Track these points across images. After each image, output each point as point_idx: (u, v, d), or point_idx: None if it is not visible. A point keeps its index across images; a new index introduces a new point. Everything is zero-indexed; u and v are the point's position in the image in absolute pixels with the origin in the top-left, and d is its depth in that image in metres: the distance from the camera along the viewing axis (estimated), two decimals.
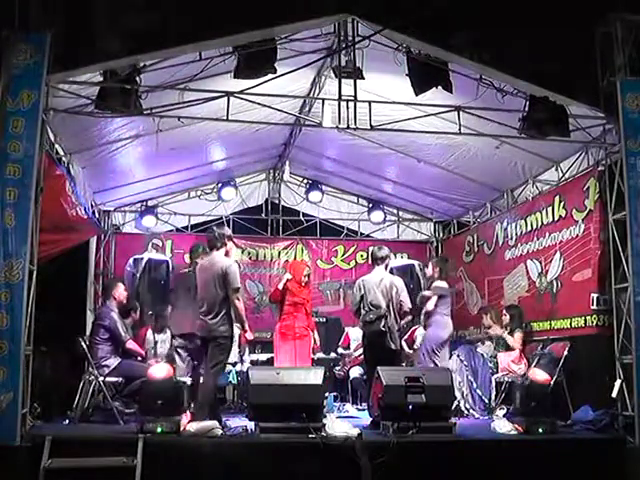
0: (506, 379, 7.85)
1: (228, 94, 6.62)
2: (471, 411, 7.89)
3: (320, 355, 9.01)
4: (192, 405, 6.38)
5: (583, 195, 7.74)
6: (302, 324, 7.61)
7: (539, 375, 6.76)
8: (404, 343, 8.92)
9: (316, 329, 8.63)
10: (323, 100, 7.17)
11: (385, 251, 7.34)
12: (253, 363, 8.62)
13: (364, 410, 7.98)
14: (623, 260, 6.71)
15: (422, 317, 7.98)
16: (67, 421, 6.74)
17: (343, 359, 9.24)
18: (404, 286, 7.28)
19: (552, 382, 6.85)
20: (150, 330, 8.65)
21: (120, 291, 7.50)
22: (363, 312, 7.14)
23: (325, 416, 6.19)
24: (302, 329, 7.58)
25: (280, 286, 7.78)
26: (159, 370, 6.31)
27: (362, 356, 8.94)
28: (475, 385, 8.00)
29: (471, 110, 6.99)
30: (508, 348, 8.21)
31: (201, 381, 6.57)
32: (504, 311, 8.63)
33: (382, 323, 6.96)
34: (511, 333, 8.23)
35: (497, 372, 8.08)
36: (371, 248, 7.58)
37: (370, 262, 7.75)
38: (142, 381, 6.44)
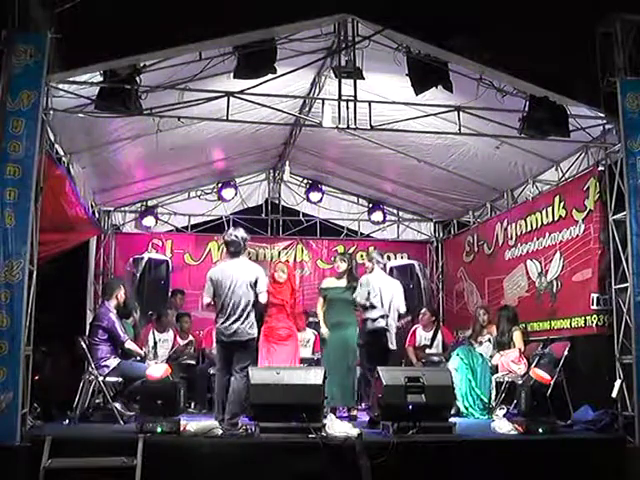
0: (506, 379, 7.85)
1: (228, 94, 6.62)
2: (471, 411, 7.88)
3: (320, 355, 8.98)
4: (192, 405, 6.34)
5: (583, 195, 7.73)
6: (284, 325, 7.57)
7: (542, 375, 6.78)
8: (410, 349, 8.95)
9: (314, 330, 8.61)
10: (323, 100, 7.17)
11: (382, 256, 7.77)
12: None
13: (364, 410, 7.96)
14: (623, 260, 6.70)
15: None
16: (67, 421, 6.71)
17: None
18: (401, 290, 7.66)
19: (552, 382, 6.85)
20: (152, 329, 8.66)
21: (121, 294, 7.50)
22: (367, 310, 7.36)
23: (325, 416, 6.18)
24: (285, 330, 7.54)
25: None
26: (157, 370, 6.31)
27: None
28: (475, 385, 7.99)
29: (471, 110, 6.99)
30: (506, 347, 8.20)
31: (232, 383, 6.39)
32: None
33: (385, 322, 7.31)
34: (509, 336, 8.20)
35: (497, 372, 8.07)
36: (371, 249, 7.83)
37: (369, 262, 7.84)
38: (142, 381, 6.44)
